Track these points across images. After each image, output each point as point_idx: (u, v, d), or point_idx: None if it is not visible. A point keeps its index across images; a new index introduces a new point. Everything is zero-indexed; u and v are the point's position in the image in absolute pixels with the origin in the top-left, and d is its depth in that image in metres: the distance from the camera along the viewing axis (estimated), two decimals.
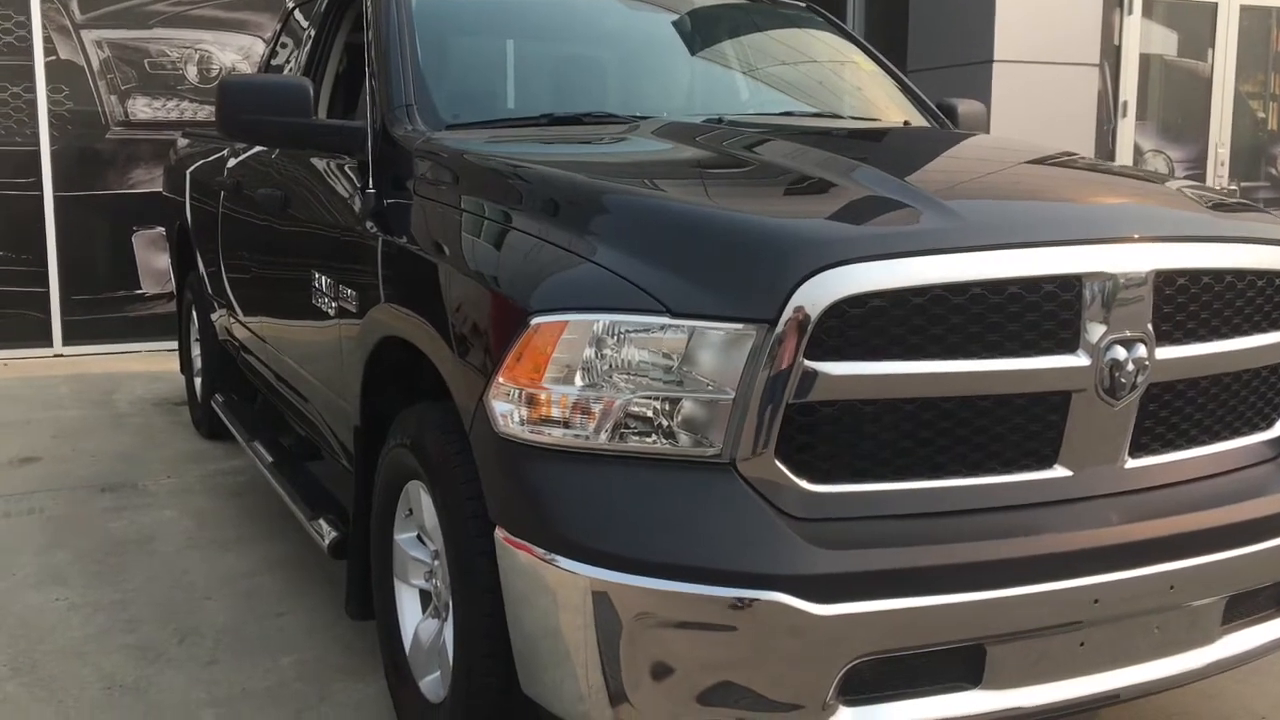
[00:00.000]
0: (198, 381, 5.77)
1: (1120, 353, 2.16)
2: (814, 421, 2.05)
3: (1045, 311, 2.12)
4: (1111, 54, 8.41)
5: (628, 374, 2.08)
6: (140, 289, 7.81)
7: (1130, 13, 8.49)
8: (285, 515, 3.87)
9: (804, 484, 2.06)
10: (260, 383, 4.59)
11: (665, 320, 2.04)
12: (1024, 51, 7.67)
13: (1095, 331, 2.15)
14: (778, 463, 2.04)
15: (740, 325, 2.01)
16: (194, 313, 5.72)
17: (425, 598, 2.75)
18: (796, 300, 1.99)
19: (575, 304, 2.11)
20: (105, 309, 7.73)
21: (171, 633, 3.43)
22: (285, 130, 3.13)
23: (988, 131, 4.16)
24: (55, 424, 5.90)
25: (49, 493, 4.77)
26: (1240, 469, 2.44)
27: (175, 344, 6.33)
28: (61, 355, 7.61)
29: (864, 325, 2.03)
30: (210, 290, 5.15)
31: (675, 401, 2.07)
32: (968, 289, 2.07)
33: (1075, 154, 3.10)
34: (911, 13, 8.21)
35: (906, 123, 3.68)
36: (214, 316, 5.19)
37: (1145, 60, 8.64)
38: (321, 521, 3.34)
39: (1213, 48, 8.90)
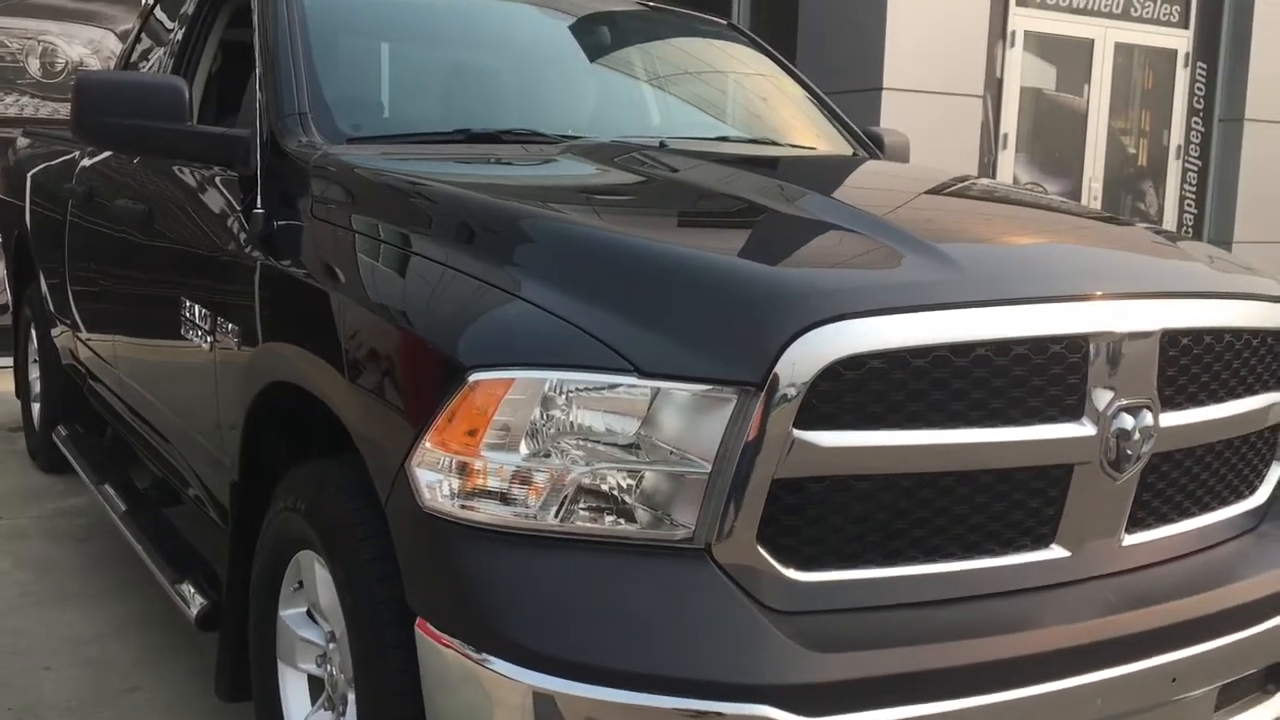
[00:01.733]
0: (35, 407, 5.20)
1: (1127, 421, 1.94)
2: (801, 500, 1.77)
3: (1051, 375, 1.89)
4: (994, 86, 8.46)
5: (583, 442, 1.76)
6: None
7: (1012, 46, 8.56)
8: (137, 564, 3.41)
9: (789, 572, 1.78)
10: (110, 415, 4.09)
11: (632, 380, 1.74)
12: (912, 80, 7.64)
13: (1102, 398, 1.92)
14: (759, 548, 1.76)
15: (720, 388, 1.72)
16: (33, 330, 5.15)
17: (316, 685, 2.36)
18: (787, 360, 1.71)
19: (523, 359, 1.79)
20: None
21: (3, 713, 2.95)
22: (155, 136, 2.71)
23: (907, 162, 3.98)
24: None
25: None
26: (1226, 541, 2.27)
27: (10, 362, 5.71)
28: None
29: (860, 390, 1.76)
30: (53, 308, 4.61)
31: (639, 475, 1.76)
32: (973, 349, 1.82)
33: (1052, 194, 2.93)
34: (800, 38, 8.11)
35: (855, 153, 3.45)
36: (56, 335, 4.65)
37: (1024, 93, 8.73)
38: (188, 586, 2.91)
39: (1088, 83, 9.06)
